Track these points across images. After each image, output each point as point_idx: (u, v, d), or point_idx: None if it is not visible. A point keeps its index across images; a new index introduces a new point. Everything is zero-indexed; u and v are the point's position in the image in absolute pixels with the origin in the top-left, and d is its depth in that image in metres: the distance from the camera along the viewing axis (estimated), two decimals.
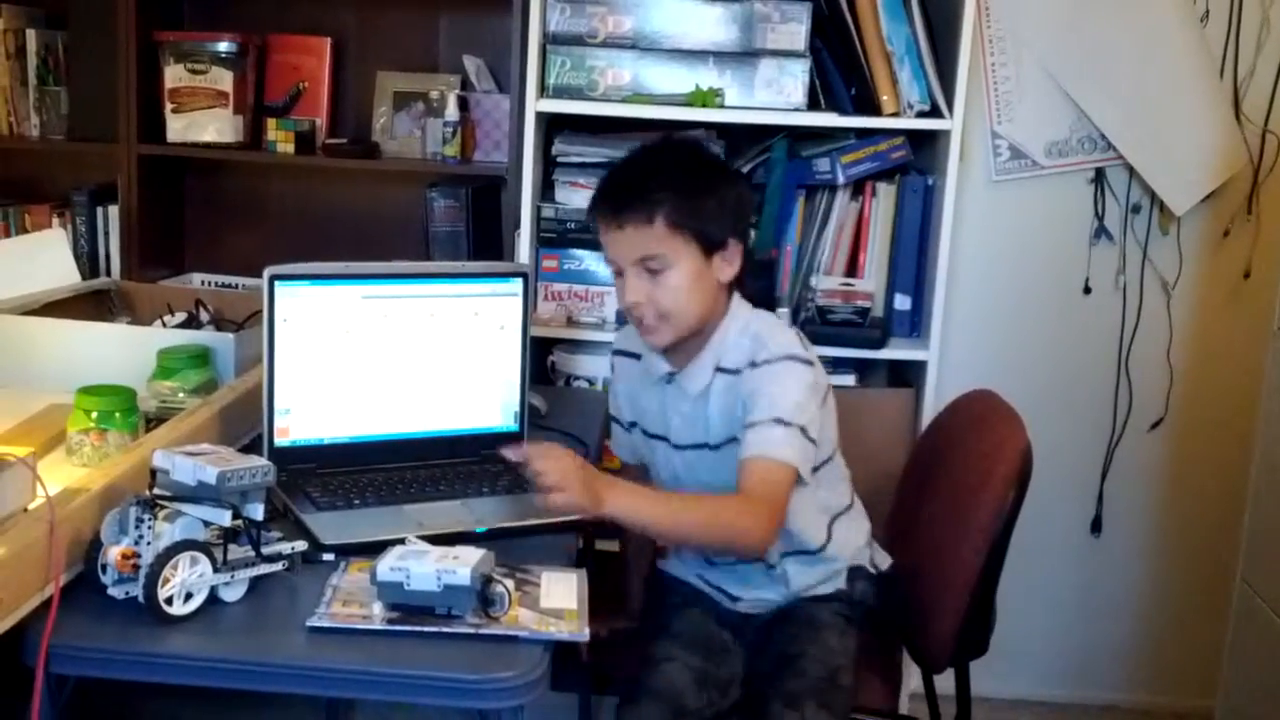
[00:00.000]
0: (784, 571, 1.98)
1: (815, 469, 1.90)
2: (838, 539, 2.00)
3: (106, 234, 3.04)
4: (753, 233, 2.46)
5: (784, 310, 2.68)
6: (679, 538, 1.90)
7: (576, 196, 2.73)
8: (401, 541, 1.55)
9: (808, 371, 1.85)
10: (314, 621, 1.44)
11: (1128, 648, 3.15)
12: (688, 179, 1.86)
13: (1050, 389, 3.00)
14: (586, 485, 1.64)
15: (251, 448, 1.85)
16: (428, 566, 1.45)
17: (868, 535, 2.07)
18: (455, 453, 2.00)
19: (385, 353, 1.95)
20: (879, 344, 2.65)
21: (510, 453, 1.73)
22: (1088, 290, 3.00)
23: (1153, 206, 2.96)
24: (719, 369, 1.91)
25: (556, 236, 2.73)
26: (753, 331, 1.89)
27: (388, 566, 1.46)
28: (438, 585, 1.44)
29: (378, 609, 1.46)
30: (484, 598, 1.46)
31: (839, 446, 2.01)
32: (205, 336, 2.12)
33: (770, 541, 1.79)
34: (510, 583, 1.50)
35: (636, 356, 2.04)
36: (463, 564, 1.45)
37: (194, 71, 2.92)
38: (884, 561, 2.08)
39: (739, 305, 1.93)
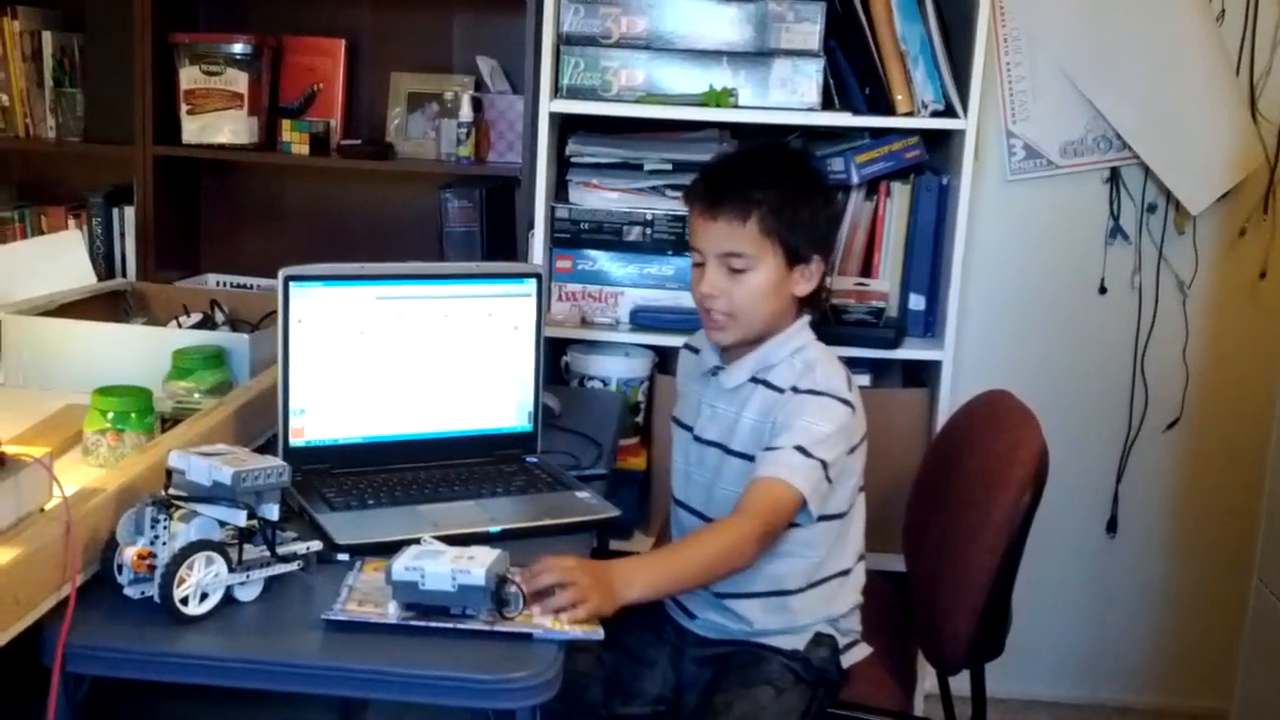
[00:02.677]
0: (746, 610, 1.93)
1: (838, 516, 1.90)
2: (818, 597, 1.94)
3: (122, 235, 3.05)
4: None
5: None
6: (696, 585, 1.86)
7: (590, 197, 2.73)
8: (416, 541, 1.55)
9: (844, 411, 1.84)
10: (330, 614, 1.44)
11: (1143, 648, 3.15)
12: (789, 187, 1.87)
13: (1066, 389, 3.00)
14: (597, 586, 1.55)
15: (267, 448, 1.86)
16: (443, 566, 1.45)
17: (852, 608, 1.99)
18: (469, 453, 2.01)
19: (400, 353, 1.96)
20: (894, 344, 2.65)
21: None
22: (1103, 290, 2.99)
23: (1168, 206, 2.95)
24: (760, 380, 1.90)
25: (570, 237, 2.73)
26: (806, 357, 1.89)
27: (403, 566, 1.46)
28: (452, 585, 1.44)
29: (393, 608, 1.46)
30: (498, 598, 1.46)
31: (860, 505, 1.98)
32: (220, 337, 2.12)
33: (758, 553, 1.77)
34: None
35: (696, 351, 2.06)
36: (478, 564, 1.45)
37: (209, 73, 2.93)
38: (857, 652, 1.99)
39: (803, 327, 1.92)
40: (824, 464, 1.79)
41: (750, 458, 1.86)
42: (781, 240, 1.84)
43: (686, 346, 2.12)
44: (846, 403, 1.85)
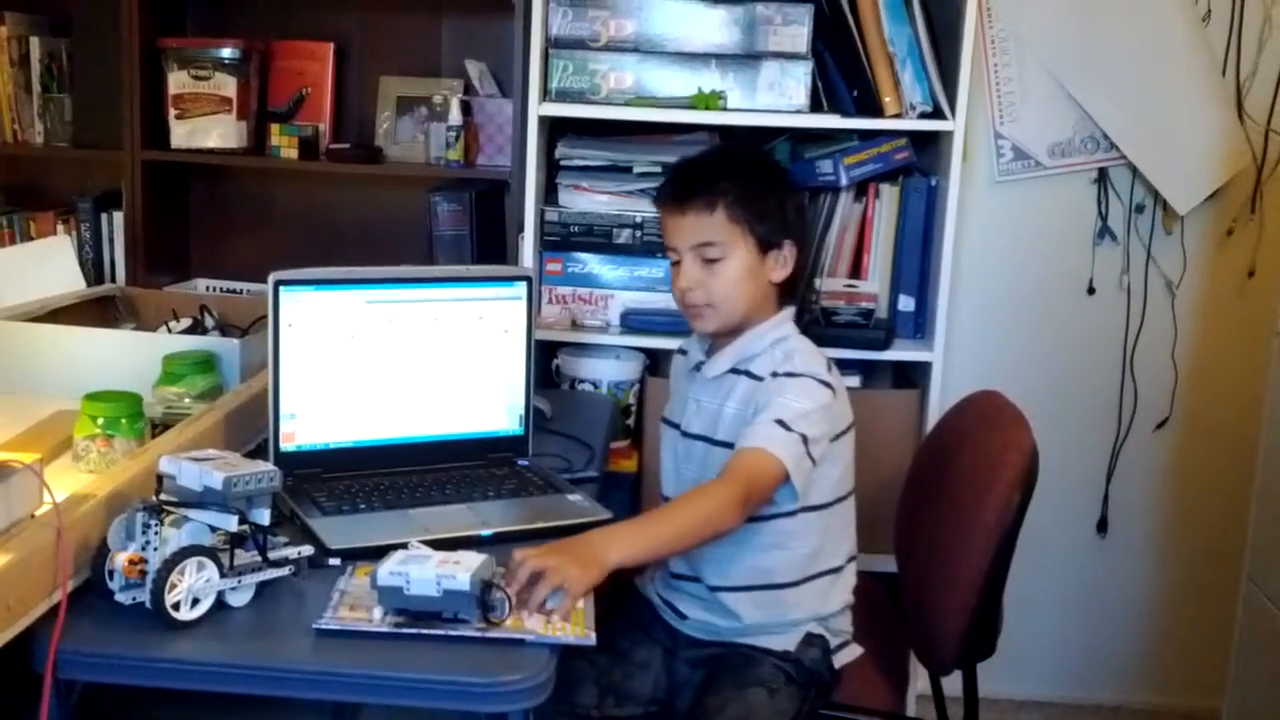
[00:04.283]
0: (736, 605, 1.93)
1: (822, 507, 1.91)
2: (810, 593, 1.94)
3: (111, 240, 3.05)
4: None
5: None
6: (678, 547, 1.83)
7: (580, 200, 2.73)
8: (404, 546, 1.55)
9: (824, 393, 1.85)
10: (321, 624, 1.44)
11: (1134, 648, 3.15)
12: (752, 176, 1.93)
13: (1055, 389, 3.00)
14: (576, 560, 1.54)
15: (257, 453, 1.86)
16: (428, 572, 1.45)
17: (843, 608, 1.99)
18: (460, 456, 2.01)
19: (390, 357, 1.96)
20: (883, 345, 2.65)
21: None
22: (1092, 290, 3.00)
23: (1156, 206, 2.96)
24: (740, 370, 1.92)
25: (560, 240, 2.73)
26: (786, 347, 1.91)
27: (388, 571, 1.46)
28: (437, 590, 1.44)
29: (377, 614, 1.46)
30: (484, 603, 1.45)
31: (850, 504, 1.99)
32: (210, 342, 2.12)
33: (739, 517, 1.74)
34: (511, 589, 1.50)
35: (684, 353, 2.08)
36: (463, 569, 1.45)
37: (198, 78, 2.93)
38: (848, 653, 1.99)
39: (785, 319, 1.95)
40: (804, 438, 1.79)
41: (734, 446, 1.86)
42: (750, 227, 1.88)
43: (679, 350, 2.13)
44: (826, 384, 1.86)
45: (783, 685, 1.89)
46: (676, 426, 2.02)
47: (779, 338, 1.92)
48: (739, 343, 1.93)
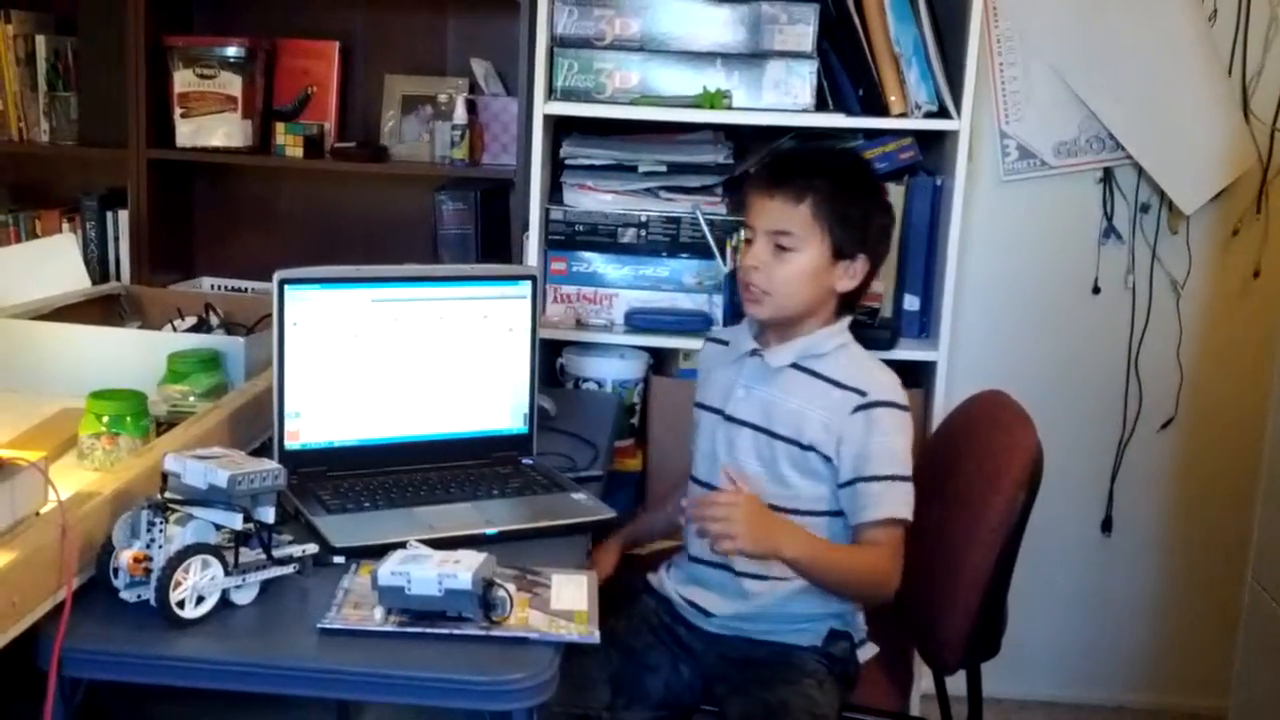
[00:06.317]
0: (763, 596, 1.95)
1: (839, 513, 1.94)
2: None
3: (116, 239, 3.05)
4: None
5: None
6: (834, 584, 1.91)
7: (585, 199, 2.73)
8: (404, 545, 1.55)
9: (908, 420, 1.92)
10: (326, 623, 1.44)
11: (1138, 648, 3.15)
12: (849, 183, 1.95)
13: (1060, 389, 3.00)
14: (756, 528, 1.76)
15: (262, 451, 1.86)
16: (429, 571, 1.45)
17: (860, 606, 2.02)
18: (465, 455, 2.01)
19: (395, 356, 1.96)
20: (888, 345, 2.64)
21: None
22: (1097, 290, 3.00)
23: (1162, 206, 2.95)
24: (803, 366, 1.93)
25: (565, 239, 2.73)
26: (853, 356, 1.95)
27: (389, 571, 1.46)
28: (439, 590, 1.44)
29: (379, 614, 1.46)
30: (485, 602, 1.45)
31: None
32: (215, 340, 2.12)
33: (897, 588, 1.88)
34: (513, 586, 1.50)
35: (724, 343, 2.09)
36: (464, 568, 1.45)
37: (203, 76, 2.93)
38: (868, 650, 2.02)
39: (845, 327, 1.97)
40: (912, 477, 1.89)
41: (795, 442, 1.90)
42: (830, 230, 1.89)
43: (711, 339, 2.15)
44: (906, 408, 1.91)
45: (826, 676, 1.92)
46: (719, 411, 2.01)
47: (841, 343, 1.95)
48: (803, 341, 1.95)
